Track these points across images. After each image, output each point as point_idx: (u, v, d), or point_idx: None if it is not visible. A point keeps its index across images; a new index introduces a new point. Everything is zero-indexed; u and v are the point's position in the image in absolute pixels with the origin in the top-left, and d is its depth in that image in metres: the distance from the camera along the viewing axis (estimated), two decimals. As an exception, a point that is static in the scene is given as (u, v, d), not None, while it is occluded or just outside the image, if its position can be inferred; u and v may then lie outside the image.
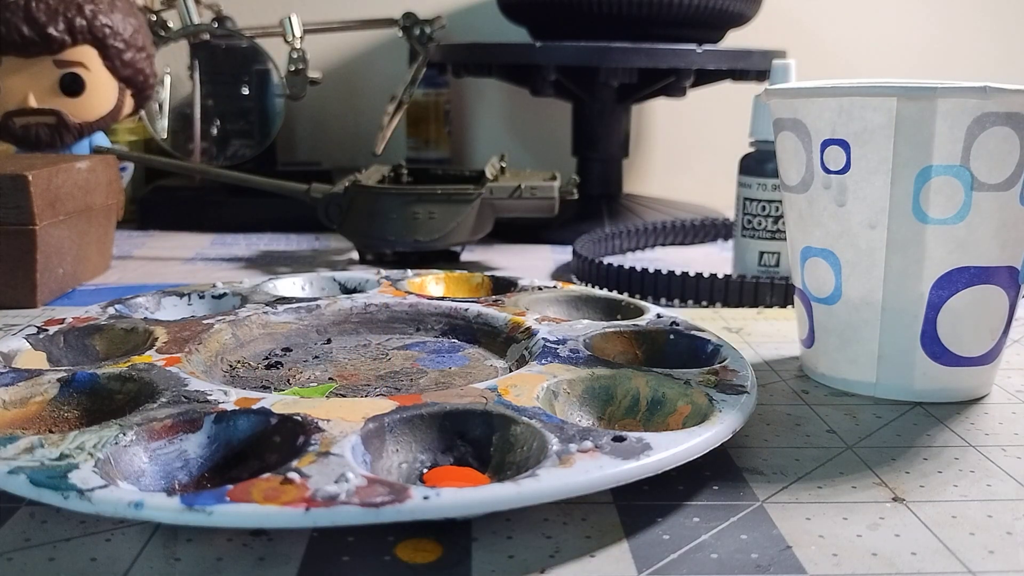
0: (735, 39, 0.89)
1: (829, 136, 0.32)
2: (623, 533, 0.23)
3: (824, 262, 0.33)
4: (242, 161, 0.74)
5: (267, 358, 0.34)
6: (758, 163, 0.50)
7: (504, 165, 0.60)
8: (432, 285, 0.43)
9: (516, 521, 0.24)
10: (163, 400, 0.26)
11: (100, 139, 0.62)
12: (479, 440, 0.25)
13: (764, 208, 0.50)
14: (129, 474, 0.23)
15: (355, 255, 0.61)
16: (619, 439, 0.24)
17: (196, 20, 0.72)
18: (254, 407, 0.25)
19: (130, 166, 0.66)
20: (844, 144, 0.31)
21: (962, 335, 0.32)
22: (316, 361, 0.34)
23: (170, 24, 0.72)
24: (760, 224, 0.50)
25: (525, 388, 0.27)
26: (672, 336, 0.34)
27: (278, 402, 0.26)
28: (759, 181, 0.50)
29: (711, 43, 0.73)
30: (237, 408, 0.25)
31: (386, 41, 0.90)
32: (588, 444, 0.23)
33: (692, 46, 0.65)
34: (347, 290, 0.43)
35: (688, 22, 0.70)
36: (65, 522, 0.23)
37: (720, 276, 0.47)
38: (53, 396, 0.28)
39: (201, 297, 0.39)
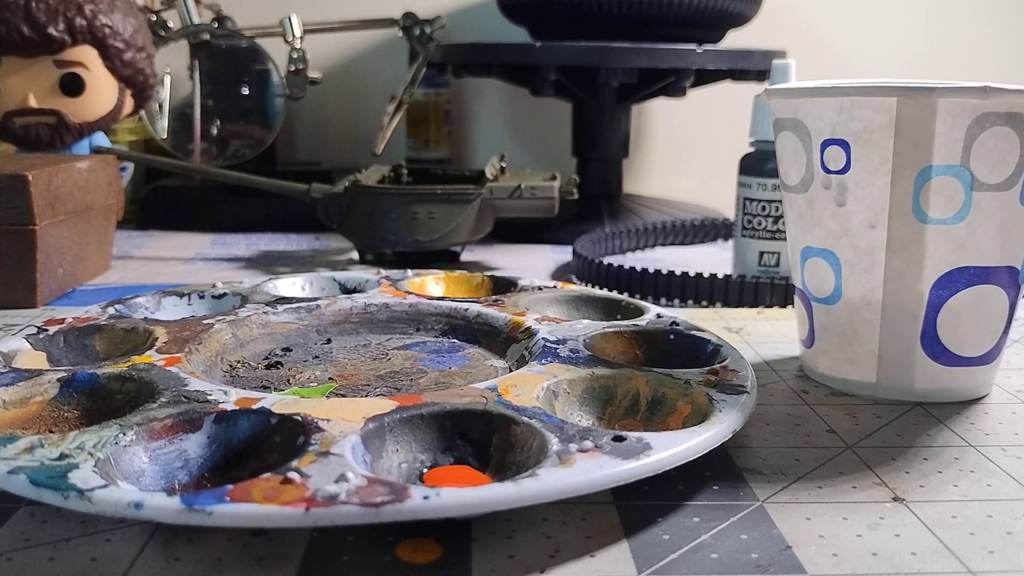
0: (735, 39, 0.89)
1: (829, 136, 0.32)
2: (623, 533, 0.23)
3: (824, 262, 0.33)
4: (242, 161, 0.74)
5: (267, 358, 0.34)
6: (758, 163, 0.50)
7: (504, 165, 0.60)
8: (432, 285, 0.43)
9: (516, 521, 0.24)
10: (163, 400, 0.26)
11: (100, 139, 0.62)
12: (479, 440, 0.25)
13: (764, 208, 0.50)
14: (129, 474, 0.23)
15: (355, 255, 0.61)
16: (619, 439, 0.24)
17: (196, 20, 0.72)
18: (254, 407, 0.25)
19: (130, 166, 0.66)
20: (844, 144, 0.31)
21: (962, 335, 0.32)
22: (316, 361, 0.34)
23: (170, 24, 0.72)
24: (760, 224, 0.50)
25: (525, 388, 0.27)
26: (672, 336, 0.34)
27: (278, 402, 0.26)
28: (759, 181, 0.50)
29: (711, 43, 0.73)
30: (237, 408, 0.25)
31: (386, 41, 0.90)
32: (588, 444, 0.23)
33: (692, 46, 0.65)
34: (347, 290, 0.43)
35: (688, 22, 0.70)
36: (65, 522, 0.23)
37: (720, 276, 0.47)
38: (53, 396, 0.28)
39: (201, 297, 0.39)
